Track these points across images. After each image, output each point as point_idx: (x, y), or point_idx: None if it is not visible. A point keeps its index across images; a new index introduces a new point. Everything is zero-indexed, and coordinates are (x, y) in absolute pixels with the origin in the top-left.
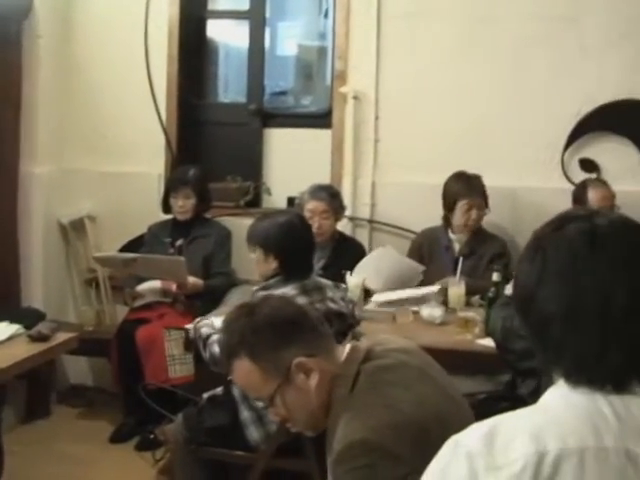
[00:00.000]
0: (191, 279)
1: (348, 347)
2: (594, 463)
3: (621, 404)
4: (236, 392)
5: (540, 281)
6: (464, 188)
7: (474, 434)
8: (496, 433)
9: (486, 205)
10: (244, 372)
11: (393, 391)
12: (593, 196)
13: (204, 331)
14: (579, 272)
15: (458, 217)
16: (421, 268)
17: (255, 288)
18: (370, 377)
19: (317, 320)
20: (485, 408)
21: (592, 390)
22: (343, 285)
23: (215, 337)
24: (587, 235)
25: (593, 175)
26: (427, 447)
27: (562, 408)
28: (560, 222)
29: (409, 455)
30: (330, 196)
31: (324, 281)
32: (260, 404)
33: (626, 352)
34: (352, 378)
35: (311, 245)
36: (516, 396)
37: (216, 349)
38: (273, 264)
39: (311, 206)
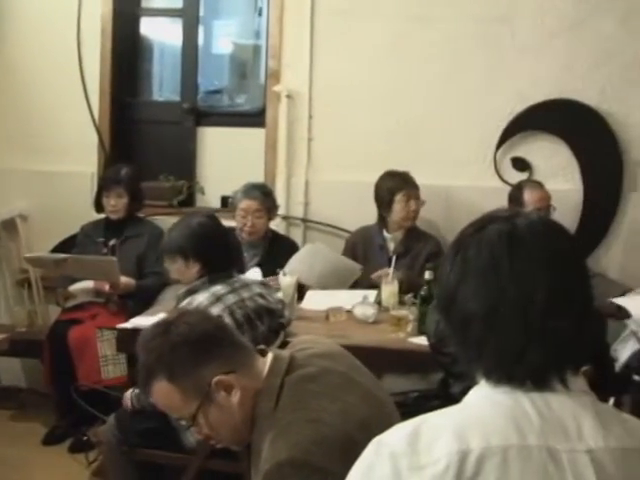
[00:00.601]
0: (123, 279)
1: (270, 357)
2: (517, 461)
3: (543, 402)
4: None
5: (460, 281)
6: (399, 182)
7: (398, 434)
8: (420, 432)
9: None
10: (163, 394)
11: (317, 403)
12: (529, 197)
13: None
14: (498, 272)
15: (398, 211)
16: (358, 267)
17: (182, 291)
18: (294, 390)
19: (235, 333)
20: (416, 407)
21: (514, 388)
22: (270, 283)
23: None
24: (506, 236)
25: (525, 174)
26: (355, 457)
27: (486, 407)
28: (481, 223)
29: (338, 468)
30: (263, 195)
31: (251, 278)
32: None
33: (545, 350)
34: (276, 392)
35: (229, 242)
36: (448, 395)
37: None
38: (195, 268)
39: (244, 205)
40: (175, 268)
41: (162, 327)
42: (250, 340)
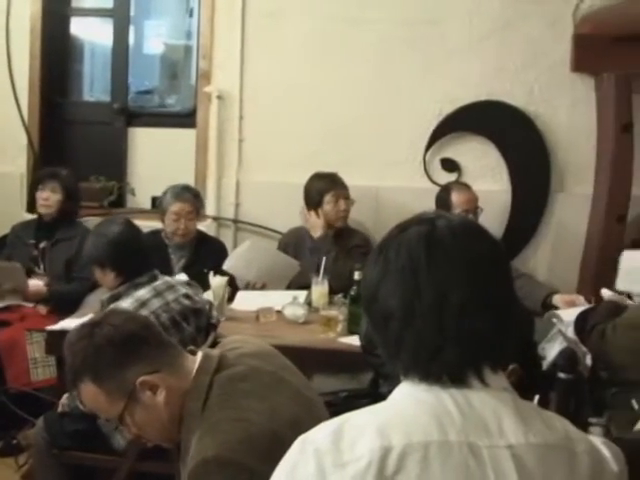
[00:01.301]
0: (32, 285)
1: (200, 356)
2: (438, 457)
3: (464, 399)
4: None
5: (381, 281)
6: (328, 182)
7: (322, 432)
8: (344, 430)
9: None
10: (90, 395)
11: (246, 403)
12: (456, 199)
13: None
14: (415, 273)
15: (328, 211)
16: (296, 263)
17: (105, 296)
18: (223, 388)
19: (162, 333)
20: (346, 406)
21: (433, 385)
22: (195, 283)
23: None
24: (424, 238)
25: (454, 175)
26: (282, 454)
27: (408, 404)
28: (404, 225)
29: (264, 467)
30: (193, 196)
31: (175, 279)
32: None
33: (460, 349)
34: (204, 390)
35: (144, 247)
36: (378, 395)
37: None
38: (111, 276)
39: (176, 208)
40: (96, 275)
41: (87, 329)
42: (178, 342)
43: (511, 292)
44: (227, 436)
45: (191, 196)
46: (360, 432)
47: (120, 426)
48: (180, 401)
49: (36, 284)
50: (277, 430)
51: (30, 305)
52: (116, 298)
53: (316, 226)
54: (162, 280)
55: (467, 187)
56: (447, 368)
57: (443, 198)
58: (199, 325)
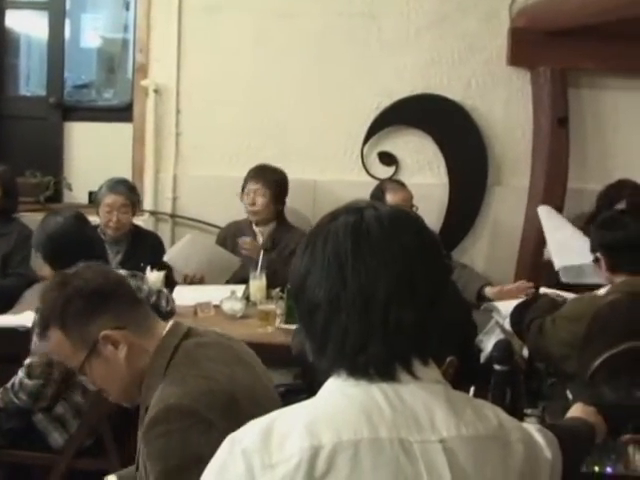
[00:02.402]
0: None
1: (171, 323)
2: (369, 454)
3: (394, 393)
4: None
5: (308, 272)
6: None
7: (252, 430)
8: (273, 428)
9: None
10: (55, 342)
11: (210, 365)
12: (391, 199)
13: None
14: (341, 264)
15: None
16: (237, 259)
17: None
18: (188, 352)
19: (133, 293)
20: (285, 401)
21: (361, 380)
22: (140, 274)
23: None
24: (351, 228)
25: (392, 168)
26: (237, 415)
27: (337, 400)
28: (334, 214)
29: (221, 423)
30: (128, 190)
31: (121, 272)
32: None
33: (386, 342)
34: (170, 352)
35: (86, 242)
36: (316, 389)
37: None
38: (47, 267)
39: (109, 200)
40: (38, 262)
41: (60, 279)
42: None
43: (442, 284)
44: (190, 388)
45: (125, 189)
46: (289, 431)
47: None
48: (143, 361)
49: None
50: (236, 393)
51: None
52: None
53: None
54: None
55: (401, 185)
56: (374, 362)
57: (377, 197)
58: None
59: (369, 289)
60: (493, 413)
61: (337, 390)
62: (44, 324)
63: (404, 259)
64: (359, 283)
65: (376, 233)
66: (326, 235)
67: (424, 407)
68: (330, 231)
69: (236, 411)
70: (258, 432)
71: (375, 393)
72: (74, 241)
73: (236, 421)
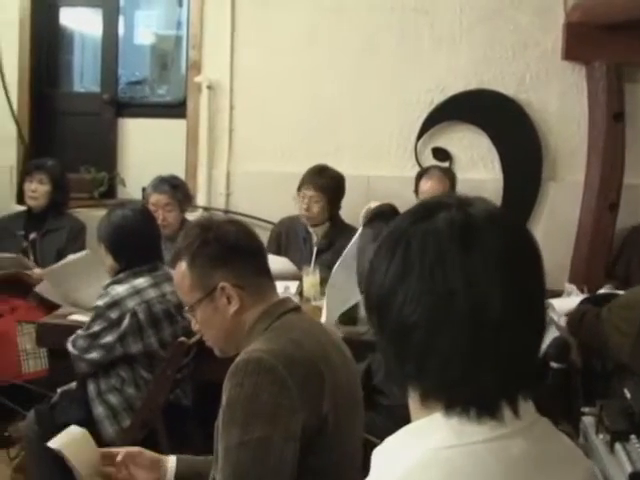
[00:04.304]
0: (37, 271)
1: (282, 297)
2: None
3: (503, 450)
4: (91, 387)
5: (400, 281)
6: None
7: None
8: None
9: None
10: (179, 274)
11: (304, 336)
12: (423, 186)
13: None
14: (447, 272)
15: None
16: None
17: (106, 282)
18: (288, 321)
19: (265, 263)
20: None
21: (464, 427)
22: None
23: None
24: (459, 228)
25: (446, 164)
26: (315, 389)
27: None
28: (426, 211)
29: (295, 387)
30: (172, 188)
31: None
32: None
33: (497, 369)
34: (274, 317)
35: (150, 237)
36: (371, 386)
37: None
38: (109, 258)
39: (154, 200)
40: (101, 252)
41: (206, 223)
42: (170, 335)
43: (545, 302)
44: (276, 346)
45: (169, 187)
46: None
47: (190, 317)
48: (247, 321)
49: (40, 271)
50: (322, 369)
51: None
52: (115, 284)
53: None
54: (163, 271)
55: (439, 173)
56: (478, 395)
57: (415, 182)
58: None
59: (481, 305)
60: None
61: (455, 435)
62: (177, 255)
63: (523, 270)
64: (470, 297)
65: (489, 234)
66: (423, 236)
67: (533, 462)
68: (429, 232)
69: (315, 384)
70: None
71: (484, 457)
72: (139, 235)
73: (310, 393)
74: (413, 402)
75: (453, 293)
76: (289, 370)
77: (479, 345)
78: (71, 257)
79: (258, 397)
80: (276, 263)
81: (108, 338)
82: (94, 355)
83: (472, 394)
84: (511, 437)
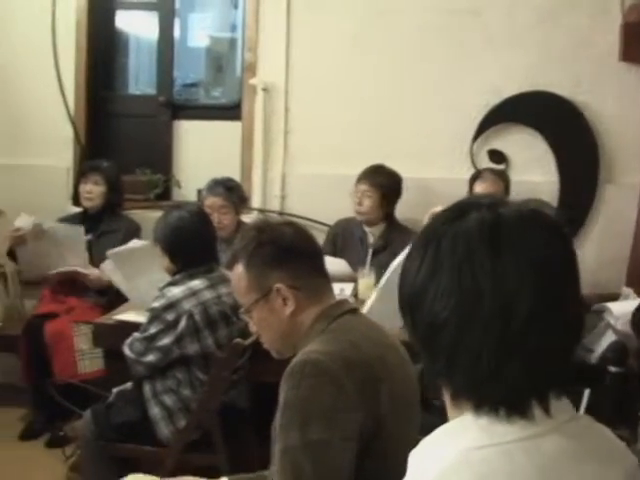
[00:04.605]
0: (94, 273)
1: (339, 298)
2: None
3: (538, 453)
4: (146, 388)
5: (431, 279)
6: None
7: None
8: None
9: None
10: (236, 276)
11: (362, 338)
12: (478, 188)
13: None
14: (476, 270)
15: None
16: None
17: (162, 285)
18: (346, 322)
19: (321, 264)
20: None
21: (494, 427)
22: None
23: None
24: (489, 227)
25: (501, 166)
26: (372, 393)
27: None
28: (459, 211)
29: (352, 391)
30: (227, 190)
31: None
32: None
33: (524, 369)
34: (331, 319)
35: (207, 238)
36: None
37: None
38: (166, 259)
39: (209, 202)
40: (157, 253)
41: (262, 225)
42: (225, 336)
43: (581, 299)
44: (333, 348)
45: (223, 190)
46: None
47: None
48: (304, 323)
49: (98, 273)
50: (379, 372)
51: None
52: (171, 285)
53: None
54: (218, 273)
55: (494, 176)
56: (507, 392)
57: (469, 185)
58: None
59: (509, 304)
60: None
61: (488, 435)
62: (234, 257)
63: (554, 269)
64: (498, 296)
65: (519, 235)
66: (454, 235)
67: (567, 460)
68: (459, 232)
69: (372, 387)
70: None
71: (517, 456)
72: (195, 236)
73: (368, 395)
74: (447, 401)
75: (481, 292)
76: (346, 372)
77: (507, 343)
78: (136, 242)
79: (315, 399)
80: (332, 265)
81: (165, 340)
82: (151, 358)
83: (501, 393)
84: (543, 436)
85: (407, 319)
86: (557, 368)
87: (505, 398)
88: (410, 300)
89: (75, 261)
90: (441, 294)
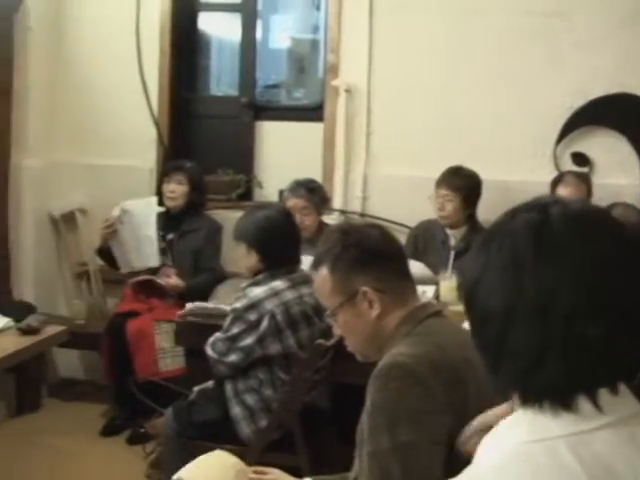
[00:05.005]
0: (171, 281)
1: (424, 301)
2: None
3: (585, 449)
4: (228, 387)
5: (481, 276)
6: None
7: None
8: None
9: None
10: (321, 280)
11: (448, 340)
12: (561, 192)
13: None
14: (519, 268)
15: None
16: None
17: (244, 284)
18: (431, 325)
19: (405, 266)
20: None
21: (542, 425)
22: None
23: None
24: (534, 227)
25: (585, 169)
26: (459, 395)
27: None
28: (514, 212)
29: (439, 393)
30: (308, 191)
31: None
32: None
33: (566, 360)
34: (416, 322)
35: (293, 238)
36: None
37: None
38: (253, 258)
39: (291, 203)
40: (239, 252)
41: (346, 227)
42: (307, 337)
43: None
44: (420, 351)
45: (305, 191)
46: None
47: (332, 321)
48: (389, 326)
49: (175, 280)
50: (465, 375)
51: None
52: (254, 285)
53: None
54: (300, 273)
55: (577, 179)
56: (550, 385)
57: (551, 188)
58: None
59: (548, 298)
60: None
61: (522, 449)
62: (318, 261)
63: (596, 267)
64: (538, 291)
65: (563, 235)
66: (503, 235)
67: (621, 458)
68: (508, 231)
69: (459, 389)
70: None
71: (562, 453)
72: (284, 236)
73: (455, 398)
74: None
75: (523, 287)
76: (433, 374)
77: (546, 335)
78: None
79: (402, 401)
80: (412, 267)
81: (247, 340)
82: (233, 358)
83: (543, 386)
84: (592, 432)
85: (468, 315)
86: (603, 360)
87: (547, 391)
88: (466, 295)
89: (149, 249)
90: (489, 290)
